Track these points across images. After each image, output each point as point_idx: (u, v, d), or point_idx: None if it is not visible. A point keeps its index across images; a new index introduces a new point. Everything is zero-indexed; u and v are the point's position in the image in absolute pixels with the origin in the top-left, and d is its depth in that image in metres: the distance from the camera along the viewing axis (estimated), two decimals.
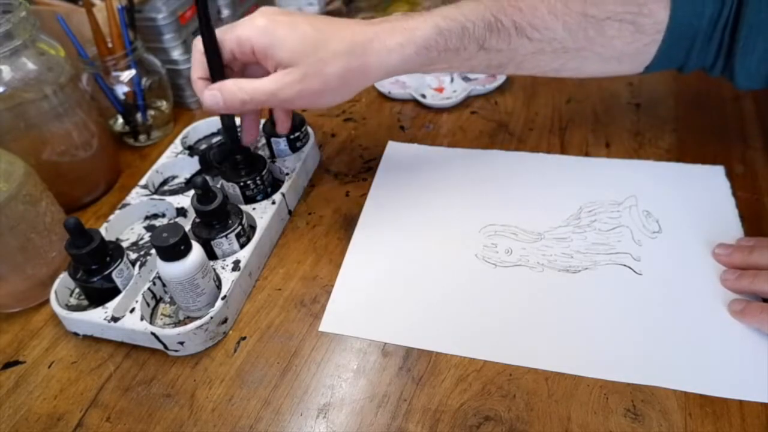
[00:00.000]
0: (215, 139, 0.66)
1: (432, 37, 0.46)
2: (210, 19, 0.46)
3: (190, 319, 0.47)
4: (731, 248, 0.47)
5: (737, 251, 0.46)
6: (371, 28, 0.47)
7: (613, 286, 0.47)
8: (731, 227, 0.50)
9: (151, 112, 0.69)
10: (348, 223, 0.56)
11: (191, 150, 0.64)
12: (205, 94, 0.47)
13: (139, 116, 0.68)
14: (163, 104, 0.70)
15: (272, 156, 0.62)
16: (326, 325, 0.47)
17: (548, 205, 0.54)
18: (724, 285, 0.45)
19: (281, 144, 0.61)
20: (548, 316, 0.45)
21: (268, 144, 0.61)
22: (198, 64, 0.48)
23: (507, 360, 0.43)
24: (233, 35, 0.46)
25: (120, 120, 0.69)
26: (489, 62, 0.50)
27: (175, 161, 0.62)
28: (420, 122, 0.67)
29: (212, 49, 0.47)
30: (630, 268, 0.48)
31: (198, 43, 0.47)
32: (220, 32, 0.47)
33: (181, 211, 0.56)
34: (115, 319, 0.46)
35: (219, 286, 0.48)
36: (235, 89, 0.46)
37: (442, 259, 0.51)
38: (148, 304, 0.48)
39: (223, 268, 0.49)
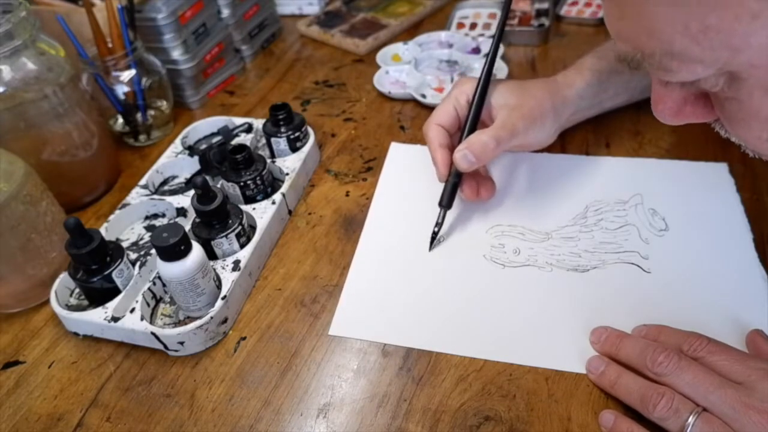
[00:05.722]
0: (215, 139, 0.66)
1: (596, 62, 0.56)
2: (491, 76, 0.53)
3: (190, 319, 0.47)
4: (604, 334, 0.42)
5: (607, 342, 0.42)
6: (551, 77, 0.56)
7: (622, 284, 0.47)
8: (738, 223, 0.50)
9: (151, 112, 0.69)
10: (348, 223, 0.56)
11: (191, 150, 0.64)
12: (457, 157, 0.50)
13: (139, 116, 0.68)
14: (163, 104, 0.70)
15: (272, 156, 0.62)
16: (336, 328, 0.47)
17: (554, 205, 0.54)
18: (589, 377, 0.41)
19: (281, 144, 0.61)
20: (557, 315, 0.45)
21: (268, 144, 0.62)
22: (439, 133, 0.53)
23: (518, 361, 0.43)
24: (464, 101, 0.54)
25: (120, 120, 0.69)
26: (643, 83, 0.57)
27: (175, 161, 0.62)
28: (420, 122, 0.67)
29: (480, 107, 0.52)
30: (638, 266, 0.48)
31: (460, 96, 0.54)
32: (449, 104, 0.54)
33: (181, 211, 0.56)
34: (115, 319, 0.46)
35: (219, 286, 0.48)
36: (483, 139, 0.50)
37: (449, 261, 0.51)
38: (148, 304, 0.48)
39: (223, 268, 0.49)
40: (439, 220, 0.52)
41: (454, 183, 0.52)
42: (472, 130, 0.52)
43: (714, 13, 0.24)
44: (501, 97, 0.53)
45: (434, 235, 0.52)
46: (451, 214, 0.54)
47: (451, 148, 0.52)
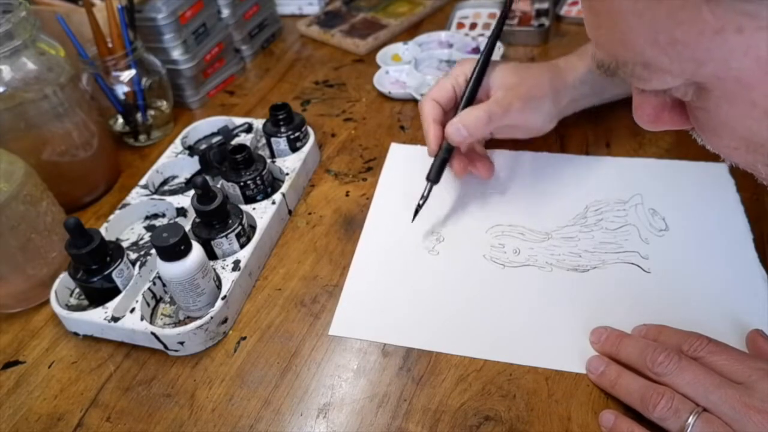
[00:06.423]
0: (215, 139, 0.66)
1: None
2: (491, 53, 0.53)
3: (190, 319, 0.47)
4: (604, 334, 0.42)
5: (607, 342, 0.42)
6: (552, 62, 0.56)
7: (622, 284, 0.47)
8: (737, 223, 0.50)
9: (151, 112, 0.69)
10: (348, 223, 0.56)
11: (191, 150, 0.64)
12: (449, 130, 0.50)
13: (139, 116, 0.68)
14: (163, 104, 0.70)
15: (272, 156, 0.62)
16: (336, 328, 0.47)
17: (554, 205, 0.54)
18: (589, 377, 0.41)
19: (281, 144, 0.61)
20: (557, 314, 0.45)
21: (268, 144, 0.62)
22: (434, 108, 0.53)
23: (518, 361, 0.43)
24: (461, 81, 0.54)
25: (120, 120, 0.69)
26: None
27: (175, 161, 0.62)
28: (420, 122, 0.67)
29: (478, 83, 0.53)
30: (638, 266, 0.48)
31: (459, 76, 0.54)
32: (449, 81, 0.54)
33: (181, 211, 0.56)
34: (115, 319, 0.46)
35: (219, 286, 0.48)
36: (476, 113, 0.50)
37: (449, 261, 0.51)
38: (148, 304, 0.48)
39: (223, 268, 0.49)
40: (425, 194, 0.52)
41: (443, 158, 0.52)
42: (467, 106, 0.52)
43: (680, 27, 0.26)
44: (499, 77, 0.53)
45: (418, 208, 0.52)
46: (451, 214, 0.54)
47: (444, 125, 0.52)
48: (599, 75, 0.55)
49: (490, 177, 0.55)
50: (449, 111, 0.54)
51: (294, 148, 0.61)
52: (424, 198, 0.52)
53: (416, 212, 0.52)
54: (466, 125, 0.50)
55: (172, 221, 0.56)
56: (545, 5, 0.81)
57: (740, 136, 0.29)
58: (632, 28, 0.27)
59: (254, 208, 0.54)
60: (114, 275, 0.47)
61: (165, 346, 0.46)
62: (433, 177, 0.52)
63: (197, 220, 0.51)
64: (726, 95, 0.27)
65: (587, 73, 0.55)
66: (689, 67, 0.27)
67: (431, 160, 0.54)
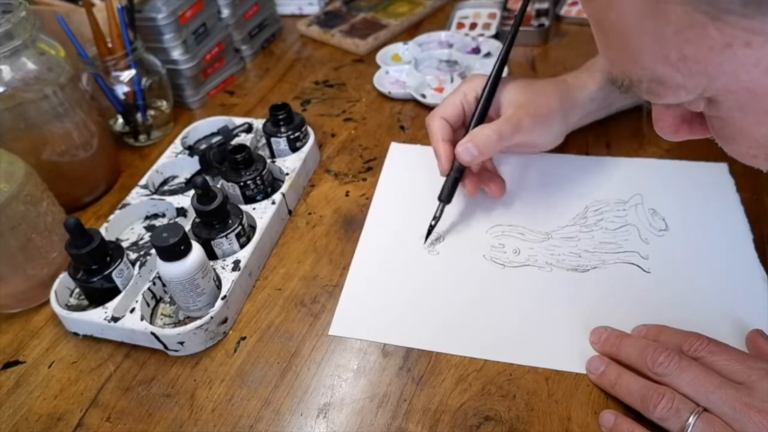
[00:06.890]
0: (215, 139, 0.66)
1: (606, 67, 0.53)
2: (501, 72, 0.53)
3: (190, 319, 0.47)
4: (604, 334, 0.42)
5: (608, 342, 0.42)
6: (561, 77, 0.56)
7: (621, 284, 0.47)
8: (737, 223, 0.50)
9: (151, 112, 0.69)
10: (348, 223, 0.56)
11: (191, 150, 0.64)
12: (459, 150, 0.50)
13: (139, 116, 0.68)
14: (163, 104, 0.70)
15: (272, 156, 0.62)
16: (336, 328, 0.47)
17: (554, 205, 0.54)
18: (589, 377, 0.41)
19: (281, 144, 0.61)
20: (557, 314, 0.45)
21: (268, 144, 0.62)
22: (443, 127, 0.52)
23: (518, 361, 0.43)
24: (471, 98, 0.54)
25: (120, 120, 0.69)
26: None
27: (175, 161, 0.62)
28: (420, 122, 0.67)
29: (488, 102, 0.52)
30: (638, 266, 0.48)
31: (469, 92, 0.53)
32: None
33: (181, 211, 0.56)
34: (115, 319, 0.46)
35: (219, 286, 0.48)
36: (486, 132, 0.50)
37: (449, 261, 0.51)
38: (148, 304, 0.48)
39: (223, 268, 0.49)
40: (437, 214, 0.52)
41: (455, 178, 0.52)
42: (478, 125, 0.52)
43: (689, 44, 0.26)
44: (509, 95, 0.53)
45: (430, 228, 0.52)
46: (451, 214, 0.54)
47: (454, 143, 0.51)
48: (614, 90, 0.55)
49: (501, 196, 0.54)
50: (458, 129, 0.54)
51: (294, 148, 0.61)
52: (437, 218, 0.52)
53: (429, 232, 0.52)
54: (476, 145, 0.49)
55: (172, 221, 0.56)
56: (545, 5, 0.81)
57: (758, 143, 0.29)
58: (642, 46, 0.27)
59: (254, 208, 0.54)
60: (114, 275, 0.47)
61: (165, 346, 0.46)
62: (445, 197, 0.51)
63: (197, 220, 0.51)
64: (738, 105, 0.28)
65: (597, 91, 0.55)
66: (702, 82, 0.27)
67: (432, 159, 0.54)
